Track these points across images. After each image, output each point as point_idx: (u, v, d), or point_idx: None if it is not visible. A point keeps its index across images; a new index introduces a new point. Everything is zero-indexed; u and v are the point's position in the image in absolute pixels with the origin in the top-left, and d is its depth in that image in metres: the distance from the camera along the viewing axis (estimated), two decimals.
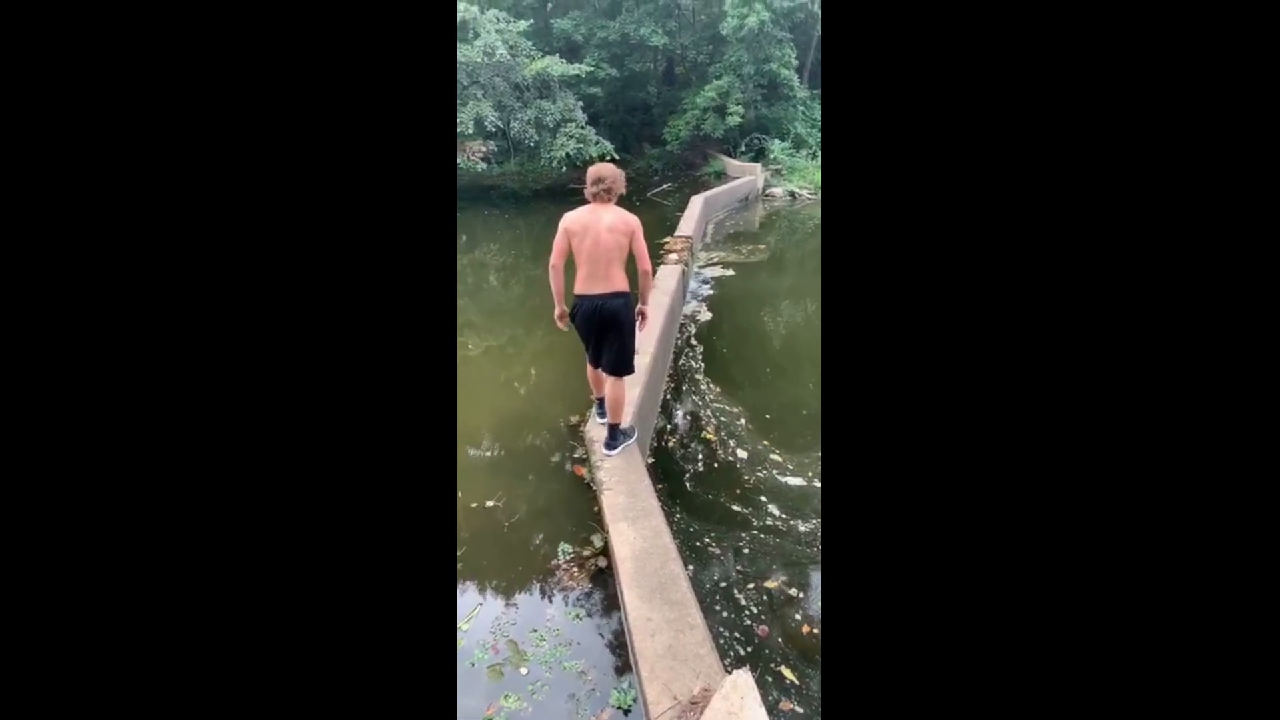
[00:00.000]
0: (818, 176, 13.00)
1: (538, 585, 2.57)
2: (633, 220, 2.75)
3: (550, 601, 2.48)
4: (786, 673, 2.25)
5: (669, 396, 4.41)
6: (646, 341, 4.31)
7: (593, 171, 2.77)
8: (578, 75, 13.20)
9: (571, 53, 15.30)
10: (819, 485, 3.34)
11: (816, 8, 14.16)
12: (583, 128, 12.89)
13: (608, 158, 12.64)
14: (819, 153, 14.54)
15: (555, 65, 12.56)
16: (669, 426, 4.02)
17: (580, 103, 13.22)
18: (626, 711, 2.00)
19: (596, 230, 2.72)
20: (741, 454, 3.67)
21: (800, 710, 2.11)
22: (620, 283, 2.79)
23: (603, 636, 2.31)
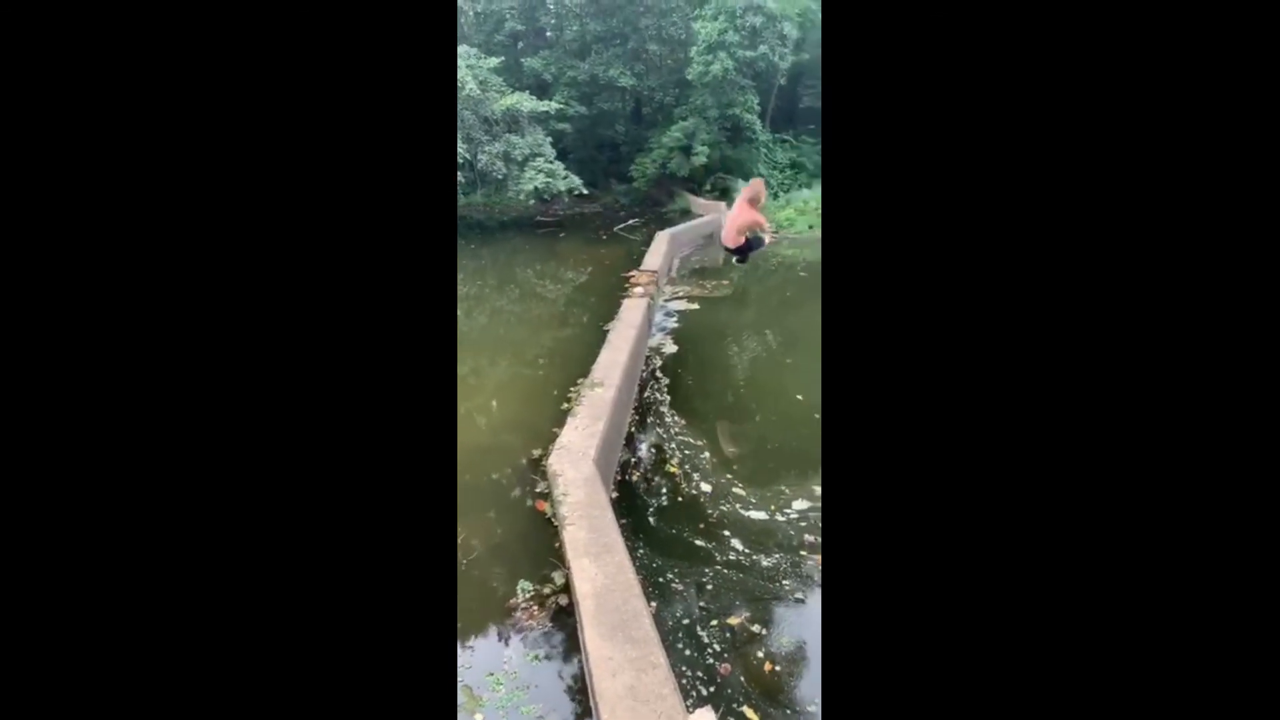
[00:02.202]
0: (780, 215, 13.48)
1: (495, 626, 2.49)
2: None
3: (508, 644, 2.40)
4: (748, 713, 2.21)
5: (634, 429, 4.40)
6: (611, 373, 4.32)
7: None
8: (547, 111, 13.47)
9: (541, 91, 15.62)
10: (781, 519, 3.36)
11: (777, 58, 14.91)
12: (551, 162, 13.08)
13: (575, 192, 12.82)
14: (780, 194, 15.11)
15: (525, 101, 12.79)
16: (633, 460, 4.00)
17: (549, 138, 13.45)
18: None
19: None
20: (705, 488, 3.67)
21: None
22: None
23: (562, 679, 2.24)
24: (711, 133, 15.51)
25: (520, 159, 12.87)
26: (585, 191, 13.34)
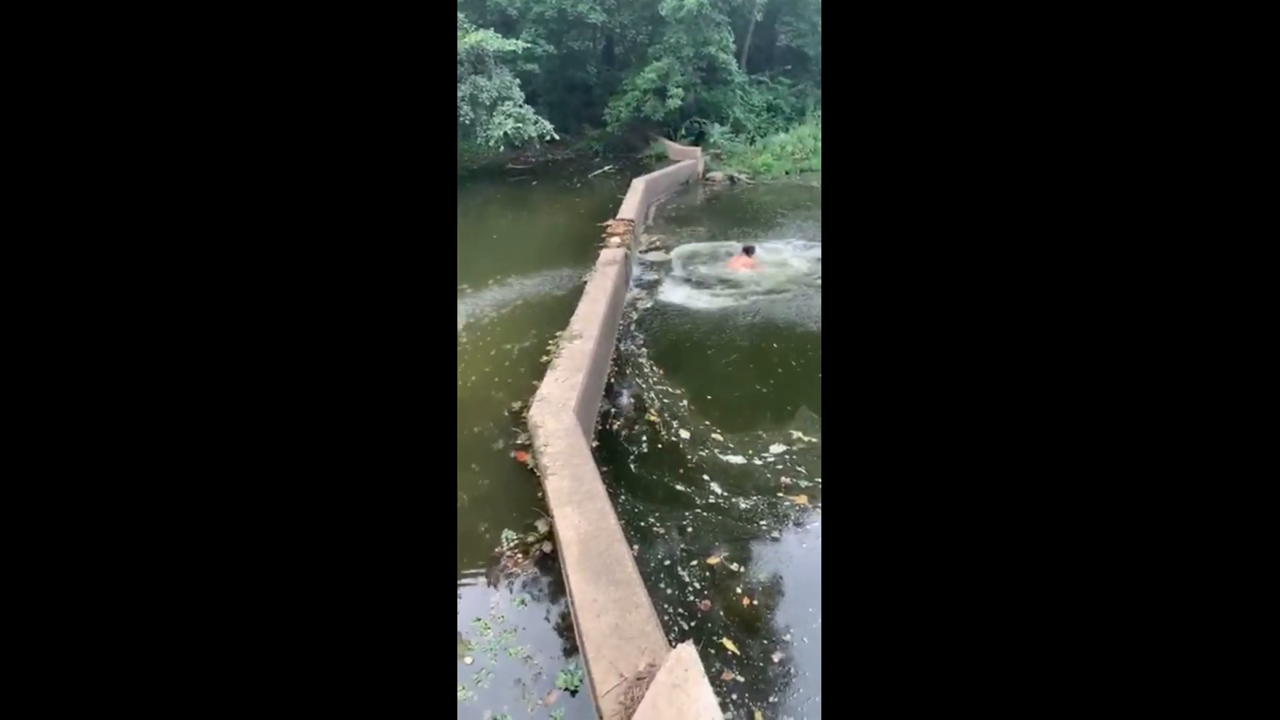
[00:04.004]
0: (757, 161, 13.22)
1: (482, 574, 2.54)
2: None
3: (495, 589, 2.46)
4: (728, 644, 2.33)
5: (613, 380, 4.42)
6: (590, 325, 4.29)
7: None
8: (514, 51, 12.77)
9: (506, 27, 14.75)
10: (759, 463, 3.45)
11: None
12: (520, 106, 12.50)
13: (547, 138, 12.35)
14: (757, 138, 14.76)
15: (491, 39, 12.08)
16: (613, 410, 4.04)
17: (517, 80, 12.81)
18: (574, 692, 2.02)
19: None
20: (684, 434, 3.73)
21: (741, 679, 2.20)
22: None
23: (548, 620, 2.32)
24: (686, 74, 14.93)
25: (488, 103, 12.28)
26: (557, 137, 12.83)
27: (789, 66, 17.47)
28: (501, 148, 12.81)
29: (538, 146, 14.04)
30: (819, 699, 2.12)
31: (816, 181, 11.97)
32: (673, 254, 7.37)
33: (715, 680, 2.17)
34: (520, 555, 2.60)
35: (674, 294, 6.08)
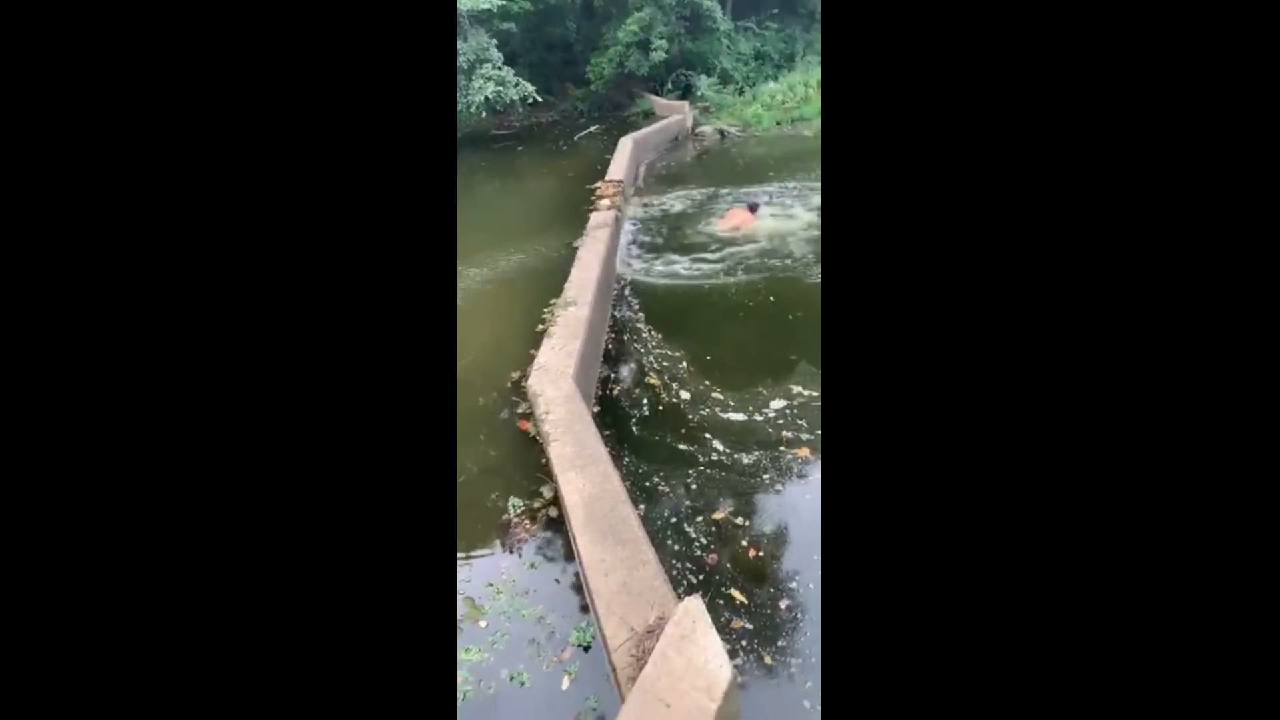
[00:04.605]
0: (746, 113, 12.84)
1: (492, 541, 2.59)
2: None
3: (505, 555, 2.51)
4: (735, 594, 2.39)
5: (610, 346, 4.41)
6: (584, 291, 4.25)
7: None
8: (489, 10, 12.29)
9: None
10: (760, 419, 3.48)
11: None
12: (499, 68, 12.09)
13: (529, 101, 12.01)
14: (746, 88, 14.32)
15: None
16: (613, 375, 4.04)
17: (494, 40, 12.37)
18: (587, 648, 2.09)
19: None
20: (684, 395, 3.74)
21: (749, 626, 2.26)
22: None
23: (559, 582, 2.37)
24: (670, 24, 14.38)
25: (466, 66, 11.89)
26: (540, 99, 12.48)
27: (775, 10, 16.80)
28: (484, 114, 12.46)
29: (521, 110, 13.66)
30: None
31: (809, 131, 11.68)
32: (661, 210, 7.25)
33: (725, 629, 2.23)
34: (529, 521, 2.65)
35: (669, 255, 6.01)
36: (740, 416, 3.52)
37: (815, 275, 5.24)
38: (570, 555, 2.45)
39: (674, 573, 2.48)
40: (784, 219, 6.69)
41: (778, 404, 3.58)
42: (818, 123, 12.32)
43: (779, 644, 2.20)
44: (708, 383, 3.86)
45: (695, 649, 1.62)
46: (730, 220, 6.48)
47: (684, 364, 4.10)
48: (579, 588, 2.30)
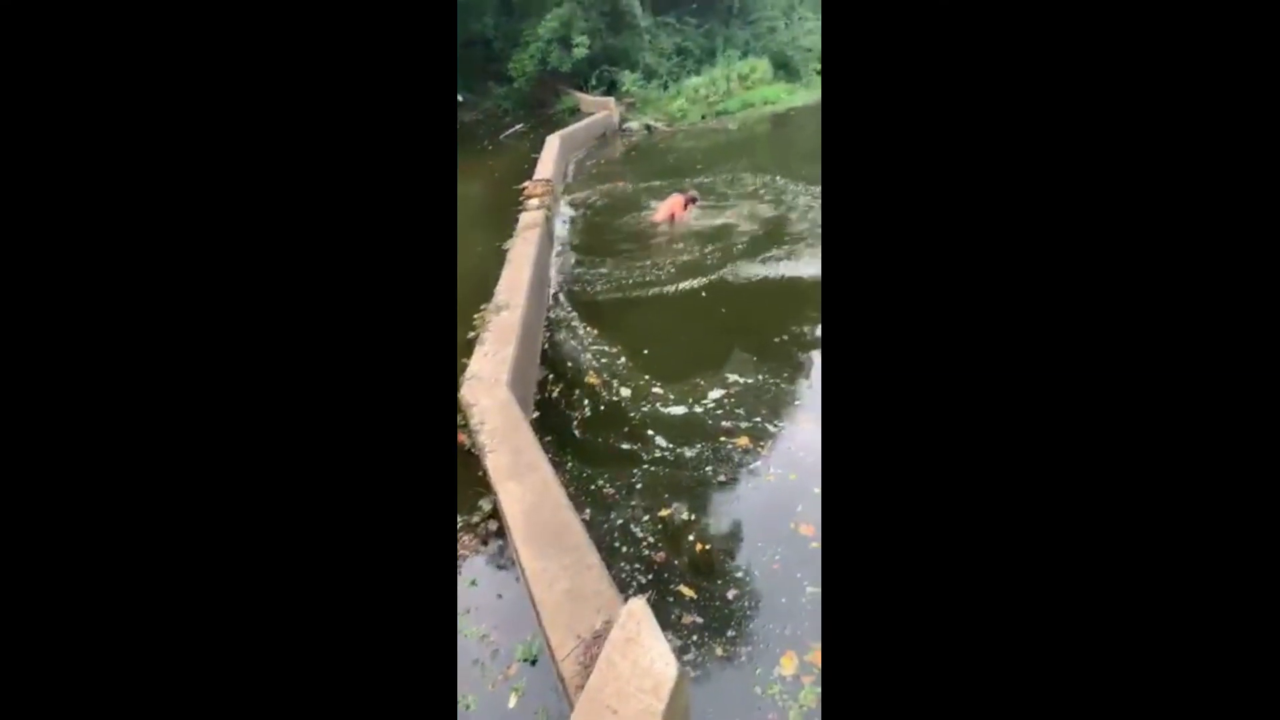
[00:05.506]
0: (672, 107, 12.94)
1: None
2: None
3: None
4: (685, 590, 2.38)
5: (546, 347, 4.32)
6: (516, 294, 4.14)
7: None
8: None
9: None
10: (700, 410, 3.49)
11: None
12: None
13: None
14: (670, 83, 14.41)
15: None
16: (551, 376, 3.96)
17: None
18: (533, 661, 2.02)
19: None
20: (625, 392, 3.72)
21: (700, 620, 2.26)
22: None
23: (502, 596, 2.29)
24: (590, 19, 14.26)
25: None
26: (462, 98, 12.13)
27: (695, 5, 17.00)
28: None
29: None
30: (774, 625, 2.21)
31: (733, 124, 11.90)
32: (592, 207, 7.19)
33: (675, 625, 2.22)
34: (468, 536, 2.55)
35: (601, 252, 5.95)
36: (680, 410, 3.52)
37: (745, 267, 5.33)
38: (513, 567, 2.38)
39: (623, 575, 2.45)
40: (714, 211, 6.77)
41: (715, 394, 3.61)
42: (741, 115, 12.58)
43: (728, 635, 2.21)
44: (647, 377, 3.85)
45: (640, 651, 1.59)
46: (664, 211, 6.45)
47: (622, 360, 4.07)
48: (524, 600, 2.23)
